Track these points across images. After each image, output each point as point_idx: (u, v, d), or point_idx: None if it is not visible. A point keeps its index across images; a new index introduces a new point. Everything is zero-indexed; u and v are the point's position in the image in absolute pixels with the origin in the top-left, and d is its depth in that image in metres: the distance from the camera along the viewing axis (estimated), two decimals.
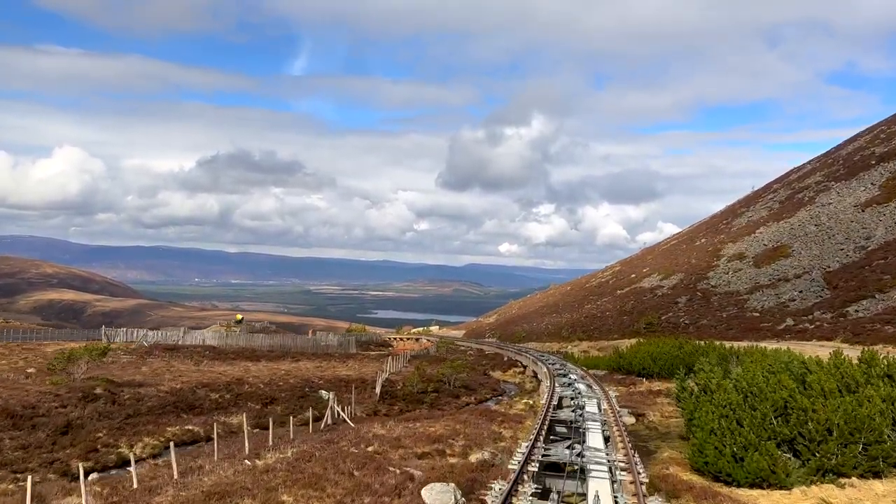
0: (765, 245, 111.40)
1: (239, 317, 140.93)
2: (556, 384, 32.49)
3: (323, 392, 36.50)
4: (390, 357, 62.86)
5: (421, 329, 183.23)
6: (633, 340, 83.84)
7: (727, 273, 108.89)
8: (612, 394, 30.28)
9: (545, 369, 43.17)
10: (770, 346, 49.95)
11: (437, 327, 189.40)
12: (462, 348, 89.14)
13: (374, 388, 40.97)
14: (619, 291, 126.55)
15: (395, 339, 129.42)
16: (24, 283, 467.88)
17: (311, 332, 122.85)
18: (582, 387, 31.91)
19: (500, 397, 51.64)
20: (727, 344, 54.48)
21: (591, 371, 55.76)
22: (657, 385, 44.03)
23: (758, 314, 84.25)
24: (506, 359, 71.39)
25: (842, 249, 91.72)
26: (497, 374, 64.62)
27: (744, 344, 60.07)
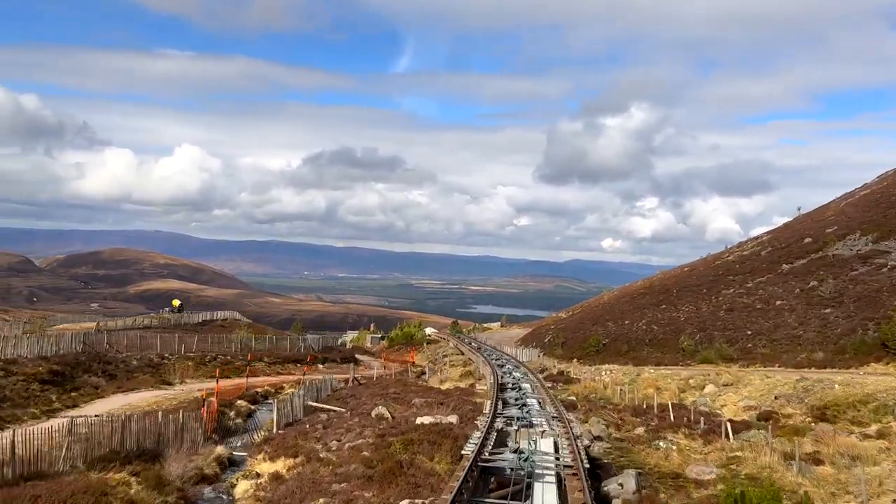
0: None
1: (176, 303, 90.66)
2: None
3: None
4: None
5: (474, 326, 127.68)
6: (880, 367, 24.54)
7: None
8: None
9: None
10: None
11: (500, 324, 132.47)
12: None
13: None
14: (786, 266, 65.18)
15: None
16: (136, 273, 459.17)
17: (371, 326, 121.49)
18: None
19: None
20: None
21: None
22: None
23: None
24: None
25: None
26: None
27: None
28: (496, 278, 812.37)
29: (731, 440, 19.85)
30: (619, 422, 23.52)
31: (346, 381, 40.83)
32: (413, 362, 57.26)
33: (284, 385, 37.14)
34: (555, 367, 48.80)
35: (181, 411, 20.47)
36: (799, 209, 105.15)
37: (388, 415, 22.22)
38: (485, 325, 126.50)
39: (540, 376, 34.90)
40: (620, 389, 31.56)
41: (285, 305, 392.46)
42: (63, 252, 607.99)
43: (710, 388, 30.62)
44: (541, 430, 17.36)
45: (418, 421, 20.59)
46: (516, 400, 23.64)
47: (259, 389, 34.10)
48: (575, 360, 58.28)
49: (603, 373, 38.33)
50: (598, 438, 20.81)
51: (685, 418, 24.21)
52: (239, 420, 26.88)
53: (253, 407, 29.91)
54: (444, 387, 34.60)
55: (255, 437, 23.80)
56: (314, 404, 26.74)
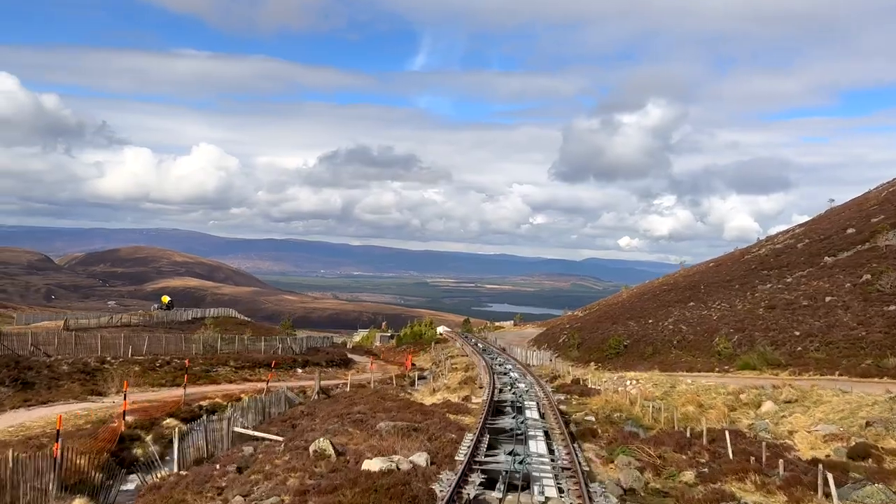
0: None
1: (166, 299, 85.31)
2: None
3: None
4: None
5: (485, 324, 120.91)
6: None
7: None
8: None
9: None
10: None
11: (513, 323, 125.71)
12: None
13: None
14: (829, 259, 57.78)
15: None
16: (153, 271, 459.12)
17: (384, 324, 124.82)
18: None
19: None
20: None
21: None
22: None
23: None
24: None
25: None
26: None
27: None
28: (512, 277, 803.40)
29: (836, 501, 12.90)
30: (658, 461, 16.65)
31: (328, 389, 34.28)
32: (411, 365, 50.59)
33: (244, 395, 30.68)
34: (569, 373, 41.89)
35: (11, 450, 14.01)
36: (832, 201, 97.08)
37: (330, 451, 15.57)
38: (496, 323, 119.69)
39: (549, 389, 28.19)
40: (652, 406, 24.75)
41: (300, 303, 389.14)
42: (83, 250, 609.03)
43: (768, 406, 23.70)
44: (541, 498, 10.56)
45: (365, 466, 13.86)
46: (513, 431, 16.85)
47: (205, 402, 27.64)
48: (592, 363, 51.37)
49: (627, 382, 31.52)
50: (631, 492, 14.02)
51: (750, 455, 17.27)
52: (156, 447, 20.34)
53: (186, 427, 23.40)
54: (431, 400, 27.93)
55: (159, 476, 17.25)
56: (243, 430, 20.15)
